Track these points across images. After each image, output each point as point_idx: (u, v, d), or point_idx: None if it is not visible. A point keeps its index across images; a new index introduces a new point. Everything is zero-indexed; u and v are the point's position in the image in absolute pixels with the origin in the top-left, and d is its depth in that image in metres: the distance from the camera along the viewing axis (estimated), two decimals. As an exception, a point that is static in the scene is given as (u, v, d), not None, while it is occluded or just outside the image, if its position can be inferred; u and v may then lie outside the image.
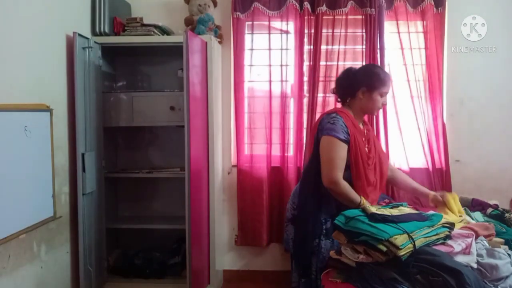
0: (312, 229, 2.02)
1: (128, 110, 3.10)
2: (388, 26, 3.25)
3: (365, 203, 1.94)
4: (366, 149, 2.05)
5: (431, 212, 2.30)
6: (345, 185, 1.96)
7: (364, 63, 3.22)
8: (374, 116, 3.20)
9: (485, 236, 2.07)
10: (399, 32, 3.23)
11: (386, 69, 3.21)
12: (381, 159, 2.11)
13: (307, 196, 2.07)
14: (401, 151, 3.26)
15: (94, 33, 2.97)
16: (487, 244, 1.98)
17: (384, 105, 2.12)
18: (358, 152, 1.99)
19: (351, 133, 1.98)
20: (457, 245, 1.89)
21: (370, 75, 2.07)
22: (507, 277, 1.81)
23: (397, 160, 3.28)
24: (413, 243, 1.76)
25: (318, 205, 2.02)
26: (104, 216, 3.00)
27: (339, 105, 2.23)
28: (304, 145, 3.21)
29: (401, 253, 1.72)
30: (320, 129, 2.03)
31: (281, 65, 3.26)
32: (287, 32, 3.29)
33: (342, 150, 1.95)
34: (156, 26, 3.02)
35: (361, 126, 2.12)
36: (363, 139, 2.07)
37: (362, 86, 2.06)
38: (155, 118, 3.11)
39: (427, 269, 1.71)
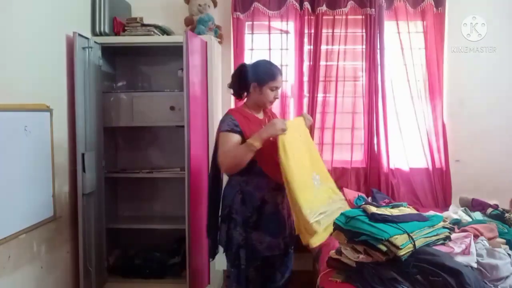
0: (216, 219, 2.17)
1: (128, 110, 3.09)
2: (388, 26, 3.25)
3: (251, 138, 1.98)
4: None
5: (431, 212, 2.31)
6: (227, 154, 2.03)
7: (364, 63, 3.23)
8: (374, 116, 3.21)
9: (490, 238, 2.07)
10: (399, 32, 3.23)
11: (386, 69, 3.22)
12: None
13: (214, 190, 2.21)
14: (401, 151, 3.26)
15: (94, 33, 2.97)
16: (487, 244, 1.99)
17: (276, 99, 2.20)
18: None
19: (242, 125, 2.07)
20: (457, 247, 1.90)
21: (260, 71, 2.16)
22: (507, 277, 1.81)
23: (397, 160, 3.28)
24: (413, 243, 1.76)
25: (241, 200, 2.10)
26: (104, 216, 3.00)
27: (240, 103, 2.33)
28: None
29: (401, 253, 1.73)
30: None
31: (281, 65, 3.25)
32: (287, 32, 3.29)
33: (229, 138, 2.05)
34: (156, 26, 3.02)
35: (259, 116, 2.22)
36: (263, 126, 2.13)
37: (253, 82, 2.15)
38: (155, 118, 3.10)
39: (427, 269, 1.71)
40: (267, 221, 2.09)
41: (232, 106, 3.34)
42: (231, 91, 2.27)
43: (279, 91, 2.21)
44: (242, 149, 2.00)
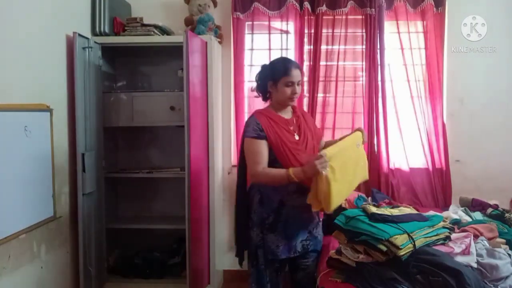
0: (245, 222, 2.17)
1: (128, 110, 3.09)
2: (388, 26, 3.25)
3: (292, 171, 1.95)
4: (296, 135, 2.13)
5: (431, 212, 2.31)
6: (263, 172, 2.02)
7: (364, 63, 3.22)
8: (374, 116, 3.21)
9: (490, 238, 2.07)
10: (399, 32, 3.23)
11: (386, 69, 3.22)
12: (311, 139, 2.17)
13: (241, 192, 2.21)
14: (401, 151, 3.26)
15: (94, 33, 2.97)
16: (488, 244, 1.99)
17: (294, 94, 2.11)
18: (280, 141, 2.05)
19: (266, 129, 2.05)
20: (457, 247, 1.90)
21: (271, 68, 2.15)
22: (507, 277, 1.81)
23: (397, 160, 3.28)
24: (413, 243, 1.76)
25: (259, 201, 2.13)
26: (104, 216, 3.00)
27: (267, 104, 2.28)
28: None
29: (401, 253, 1.73)
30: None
31: (281, 65, 3.26)
32: (287, 32, 3.29)
33: (257, 146, 2.04)
34: (156, 26, 3.02)
35: (286, 116, 2.18)
36: (289, 127, 2.13)
37: (269, 80, 2.14)
38: (155, 118, 3.11)
39: (427, 269, 1.71)
40: (284, 224, 2.07)
41: (233, 106, 3.35)
42: (257, 94, 2.24)
43: (299, 87, 2.13)
44: (281, 176, 1.97)
